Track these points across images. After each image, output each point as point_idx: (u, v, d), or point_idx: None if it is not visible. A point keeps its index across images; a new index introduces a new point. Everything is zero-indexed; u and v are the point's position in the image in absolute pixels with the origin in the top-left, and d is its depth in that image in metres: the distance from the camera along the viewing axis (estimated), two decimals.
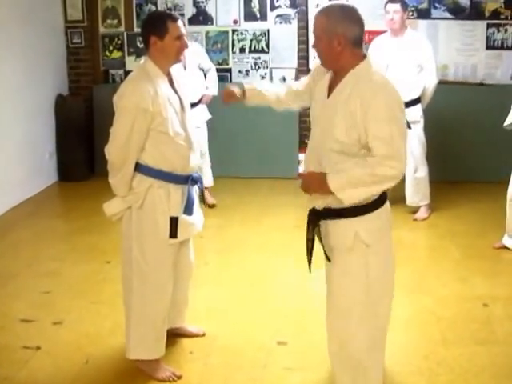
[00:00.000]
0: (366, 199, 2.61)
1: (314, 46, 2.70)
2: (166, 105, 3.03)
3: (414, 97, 5.41)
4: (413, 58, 5.42)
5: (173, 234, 3.13)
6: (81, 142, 7.07)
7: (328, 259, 2.72)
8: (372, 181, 2.54)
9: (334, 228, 2.69)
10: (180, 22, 3.05)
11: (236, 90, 3.11)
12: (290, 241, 4.81)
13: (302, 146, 7.07)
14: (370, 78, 2.58)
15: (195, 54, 5.72)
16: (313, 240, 2.78)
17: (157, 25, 3.03)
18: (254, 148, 7.11)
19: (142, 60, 3.15)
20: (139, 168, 3.08)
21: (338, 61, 2.62)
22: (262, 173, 7.07)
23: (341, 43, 2.57)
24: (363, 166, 2.55)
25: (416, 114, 5.46)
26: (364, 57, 2.65)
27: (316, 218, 2.74)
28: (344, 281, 2.72)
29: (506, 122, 4.74)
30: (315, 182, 2.66)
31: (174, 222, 3.12)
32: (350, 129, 2.56)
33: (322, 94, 2.74)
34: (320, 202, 2.71)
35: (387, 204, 2.77)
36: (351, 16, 2.60)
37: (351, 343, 2.73)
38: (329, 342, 2.83)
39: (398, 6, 5.37)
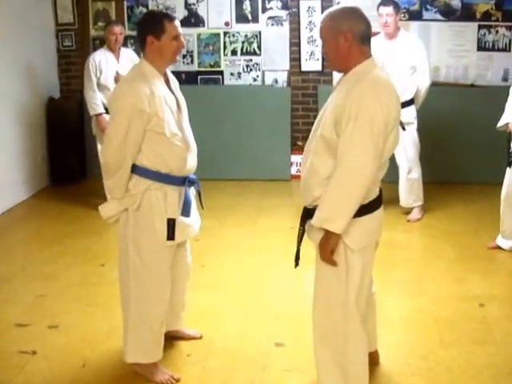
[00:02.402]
0: (360, 202, 2.58)
1: (323, 54, 2.73)
2: (163, 105, 2.99)
3: (408, 98, 5.42)
4: (406, 60, 5.44)
5: (170, 236, 3.10)
6: (72, 144, 7.06)
7: None
8: (343, 188, 2.53)
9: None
10: (177, 22, 3.02)
11: None
12: (286, 242, 4.79)
13: (295, 148, 7.08)
14: (367, 76, 2.56)
15: (131, 61, 5.64)
16: (301, 236, 2.80)
17: (154, 24, 2.99)
18: (248, 150, 7.11)
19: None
20: (136, 169, 3.04)
21: (347, 59, 2.61)
22: (255, 175, 7.08)
23: (348, 39, 2.58)
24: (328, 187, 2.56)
25: (410, 115, 5.47)
26: (370, 55, 2.65)
27: (306, 216, 2.75)
28: (325, 279, 2.75)
29: (500, 124, 4.76)
30: (321, 244, 2.65)
31: (171, 223, 3.09)
32: (334, 123, 2.56)
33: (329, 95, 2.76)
34: (309, 201, 2.71)
35: (379, 211, 2.75)
36: (355, 13, 2.63)
37: (331, 340, 2.77)
38: (313, 335, 2.85)
39: (390, 9, 5.38)
